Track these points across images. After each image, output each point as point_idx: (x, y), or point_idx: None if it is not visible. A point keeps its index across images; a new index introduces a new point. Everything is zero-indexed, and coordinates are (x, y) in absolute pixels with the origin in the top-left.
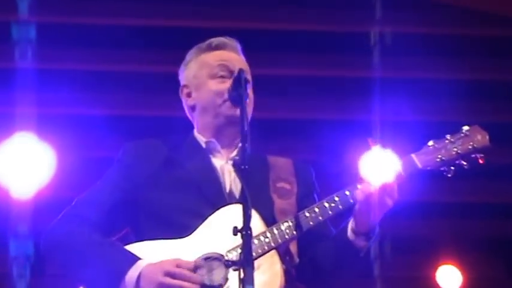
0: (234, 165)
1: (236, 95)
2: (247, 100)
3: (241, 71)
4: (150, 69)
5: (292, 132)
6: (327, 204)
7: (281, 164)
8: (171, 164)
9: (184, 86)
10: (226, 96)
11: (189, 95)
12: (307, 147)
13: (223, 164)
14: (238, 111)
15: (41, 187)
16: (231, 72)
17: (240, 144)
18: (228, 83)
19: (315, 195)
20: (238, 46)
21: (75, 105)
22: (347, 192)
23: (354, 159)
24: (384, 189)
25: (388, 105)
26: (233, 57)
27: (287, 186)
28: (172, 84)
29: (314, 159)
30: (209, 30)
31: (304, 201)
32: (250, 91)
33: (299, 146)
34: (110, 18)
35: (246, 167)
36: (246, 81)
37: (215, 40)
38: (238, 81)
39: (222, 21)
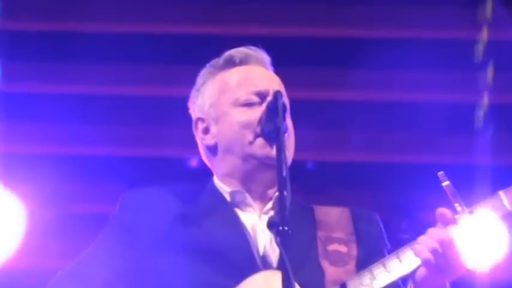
0: (270, 227)
1: (272, 128)
2: (286, 134)
3: (277, 94)
4: (157, 91)
5: (353, 178)
6: (384, 270)
7: (334, 218)
8: (185, 221)
9: (199, 119)
10: (258, 129)
11: (206, 131)
12: (372, 197)
13: (255, 221)
14: (274, 151)
15: (7, 256)
16: (262, 95)
17: (276, 194)
18: (258, 111)
19: (386, 254)
20: (266, 58)
21: (54, 140)
22: (411, 252)
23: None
24: (457, 244)
25: None
26: (262, 74)
27: (343, 249)
28: (184, 113)
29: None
30: (237, 38)
31: (368, 265)
32: (289, 121)
33: (361, 196)
34: (97, 23)
35: (286, 228)
36: (284, 108)
37: (235, 52)
38: (274, 109)
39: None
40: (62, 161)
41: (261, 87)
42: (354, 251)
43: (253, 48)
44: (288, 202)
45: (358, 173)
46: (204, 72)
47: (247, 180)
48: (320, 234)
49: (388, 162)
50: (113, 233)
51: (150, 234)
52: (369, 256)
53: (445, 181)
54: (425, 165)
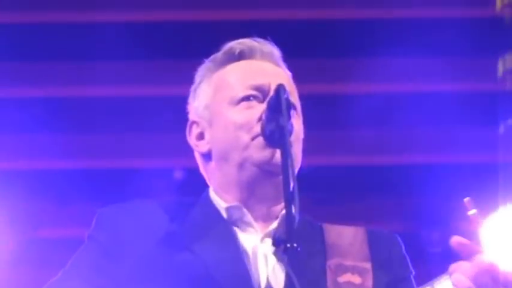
0: (275, 244)
1: (274, 128)
2: (293, 136)
3: (280, 87)
4: (139, 91)
5: (372, 182)
6: None
7: (346, 240)
8: (172, 242)
9: (193, 123)
10: (256, 129)
11: (200, 136)
12: (395, 205)
13: (256, 243)
14: (277, 155)
15: None
16: (263, 91)
17: (283, 212)
18: (258, 110)
19: (412, 283)
20: (275, 51)
21: (15, 153)
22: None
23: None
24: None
25: None
26: (266, 68)
27: (356, 280)
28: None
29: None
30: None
31: None
32: (296, 121)
33: (382, 203)
34: (64, 12)
35: (295, 245)
36: (289, 104)
37: (237, 45)
38: (276, 105)
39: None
40: (25, 177)
41: (262, 80)
42: (369, 282)
43: (259, 40)
44: (296, 218)
45: (377, 177)
46: (201, 69)
47: (245, 194)
48: (330, 262)
49: (413, 163)
50: (88, 256)
51: (131, 258)
52: (388, 286)
53: (471, 209)
54: (457, 166)
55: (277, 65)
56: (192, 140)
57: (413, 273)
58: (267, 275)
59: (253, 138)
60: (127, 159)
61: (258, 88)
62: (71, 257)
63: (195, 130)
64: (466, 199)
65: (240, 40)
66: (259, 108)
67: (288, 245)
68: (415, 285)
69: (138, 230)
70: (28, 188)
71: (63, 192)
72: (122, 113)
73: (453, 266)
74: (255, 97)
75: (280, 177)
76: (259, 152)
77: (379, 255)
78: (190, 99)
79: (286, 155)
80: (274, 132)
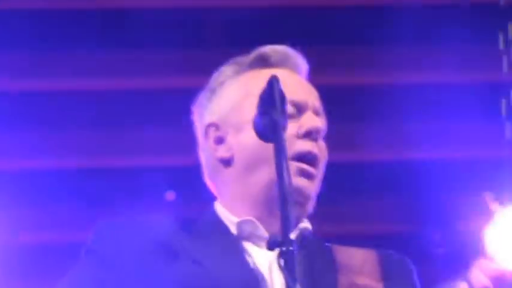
0: (270, 246)
1: (267, 122)
2: (321, 158)
3: (274, 79)
4: (143, 83)
5: (368, 180)
6: None
7: (358, 260)
8: (177, 256)
9: (212, 125)
10: (292, 149)
11: (219, 140)
12: (394, 204)
13: (272, 258)
14: (311, 185)
15: None
16: (300, 107)
17: (300, 225)
18: (294, 126)
19: None
20: (305, 66)
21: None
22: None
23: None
24: None
25: None
26: (301, 83)
27: None
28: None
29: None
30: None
31: None
32: (322, 144)
33: (380, 203)
34: None
35: (291, 248)
36: (283, 97)
37: (271, 51)
38: (269, 98)
39: None
40: (5, 177)
41: (300, 96)
42: None
43: (291, 50)
44: (292, 221)
45: (375, 175)
46: (223, 70)
47: (264, 211)
48: (342, 280)
49: (411, 159)
50: (87, 270)
51: (134, 270)
52: None
53: (492, 203)
54: (457, 162)
55: (305, 79)
56: (208, 142)
57: None
58: None
59: (293, 158)
60: (119, 158)
61: (295, 104)
62: (55, 263)
63: (213, 133)
64: (486, 193)
65: (273, 46)
66: (294, 125)
67: (284, 248)
68: None
69: (140, 243)
70: (10, 189)
71: (48, 194)
72: (113, 108)
73: (475, 263)
74: (290, 116)
75: (306, 207)
76: (295, 178)
77: (391, 277)
78: (202, 101)
79: (280, 150)
80: (266, 127)
